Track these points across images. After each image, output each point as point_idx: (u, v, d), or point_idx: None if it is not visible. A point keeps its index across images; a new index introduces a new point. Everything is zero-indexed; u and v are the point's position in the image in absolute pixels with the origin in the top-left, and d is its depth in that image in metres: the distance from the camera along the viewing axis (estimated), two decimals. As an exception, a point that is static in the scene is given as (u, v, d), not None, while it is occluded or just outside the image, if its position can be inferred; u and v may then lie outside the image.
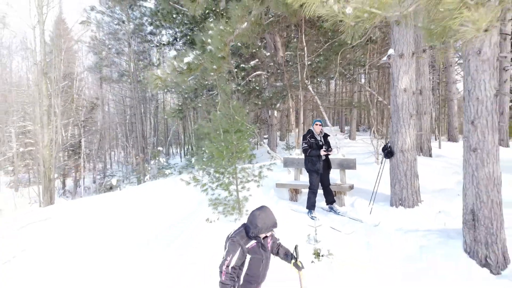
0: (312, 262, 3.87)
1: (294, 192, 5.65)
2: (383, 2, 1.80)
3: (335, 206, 5.09)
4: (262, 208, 2.30)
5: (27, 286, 4.29)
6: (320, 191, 5.01)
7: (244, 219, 4.67)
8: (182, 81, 5.11)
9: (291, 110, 10.37)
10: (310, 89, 8.86)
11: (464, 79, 3.49)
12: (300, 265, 2.41)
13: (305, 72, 8.48)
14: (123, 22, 13.79)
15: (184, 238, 4.60)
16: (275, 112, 12.96)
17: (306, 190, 5.14)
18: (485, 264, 3.41)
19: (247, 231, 2.23)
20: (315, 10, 1.95)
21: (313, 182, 4.81)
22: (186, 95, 9.84)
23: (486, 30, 1.69)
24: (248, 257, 2.19)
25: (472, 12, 1.51)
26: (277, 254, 2.52)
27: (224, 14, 7.31)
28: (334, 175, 5.48)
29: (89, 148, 13.90)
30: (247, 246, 2.19)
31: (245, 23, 5.00)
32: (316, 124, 4.87)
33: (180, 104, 10.74)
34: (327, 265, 3.87)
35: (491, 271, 3.38)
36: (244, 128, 4.89)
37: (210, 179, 5.03)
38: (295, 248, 2.47)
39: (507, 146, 10.28)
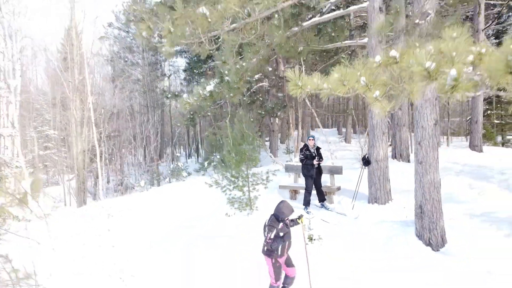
0: (307, 244, 5.24)
1: (294, 192, 7.06)
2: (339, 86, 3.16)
3: (326, 203, 6.50)
4: (283, 201, 3.73)
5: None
6: (314, 192, 6.41)
7: (255, 214, 6.11)
8: (206, 106, 6.49)
9: (290, 119, 11.73)
10: (307, 101, 10.22)
11: (414, 112, 4.87)
12: (301, 217, 3.81)
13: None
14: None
15: (211, 226, 5.98)
16: (277, 119, 14.36)
17: (303, 191, 6.53)
18: (428, 244, 4.81)
19: (277, 217, 3.61)
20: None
21: (308, 185, 6.21)
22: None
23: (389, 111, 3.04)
24: (281, 233, 3.58)
25: (379, 103, 2.85)
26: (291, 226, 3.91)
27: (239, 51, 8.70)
28: (326, 178, 6.88)
29: (107, 152, 15.31)
30: (279, 227, 3.57)
31: (255, 59, 6.38)
32: (310, 140, 6.27)
33: (191, 113, 12.07)
34: (317, 247, 5.25)
35: (432, 249, 4.77)
36: (255, 142, 6.28)
37: (227, 182, 6.41)
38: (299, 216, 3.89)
39: (481, 151, 11.65)
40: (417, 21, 3.99)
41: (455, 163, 9.18)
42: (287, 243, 3.70)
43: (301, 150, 6.27)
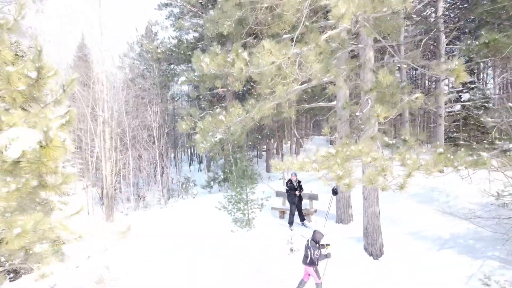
0: (289, 254, 7.46)
1: (282, 213, 9.27)
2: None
3: (305, 222, 8.71)
4: (317, 231, 5.78)
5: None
6: (296, 213, 8.62)
7: (252, 230, 8.31)
8: (216, 149, 8.66)
9: (282, 141, 13.92)
10: (295, 132, 12.43)
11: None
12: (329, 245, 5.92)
13: (292, 122, 12.09)
14: (151, 65, 17.30)
15: (222, 240, 8.15)
16: (272, 140, 16.58)
17: (288, 212, 8.72)
18: (371, 254, 7.03)
19: (316, 241, 5.70)
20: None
21: (292, 209, 8.42)
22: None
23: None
24: (319, 252, 5.69)
25: (325, 179, 5.08)
26: None
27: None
28: (306, 202, 9.09)
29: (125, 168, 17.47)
30: (319, 248, 5.69)
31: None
32: (293, 176, 8.48)
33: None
34: (297, 256, 7.45)
35: (373, 258, 6.99)
36: (253, 176, 8.48)
37: (232, 207, 8.60)
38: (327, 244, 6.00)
39: (442, 172, 13.88)
40: (357, 113, 6.18)
41: (414, 184, 11.39)
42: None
43: (286, 183, 8.49)
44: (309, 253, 5.75)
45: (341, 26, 4.17)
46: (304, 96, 11.28)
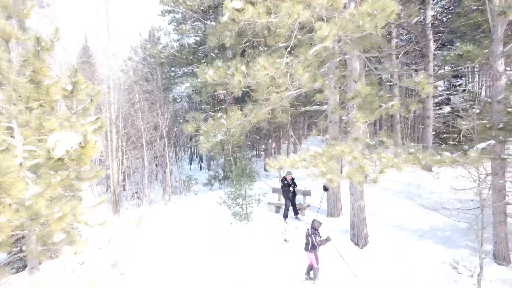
0: (283, 244, 8.22)
1: (277, 208, 10.04)
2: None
3: (299, 216, 9.47)
4: (316, 220, 6.54)
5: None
6: (291, 208, 9.38)
7: (250, 223, 9.08)
8: (217, 149, 9.42)
9: (281, 142, 14.69)
10: (291, 133, 13.19)
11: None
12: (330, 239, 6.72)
13: (288, 124, 12.85)
14: (154, 68, 18.04)
15: (221, 232, 8.91)
16: (270, 140, 17.34)
17: (283, 207, 9.48)
18: (357, 244, 7.80)
19: (315, 229, 6.47)
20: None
21: (286, 204, 9.19)
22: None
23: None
24: (320, 238, 6.45)
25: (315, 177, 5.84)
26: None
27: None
28: (300, 198, 9.85)
29: (131, 170, 18.22)
30: (320, 235, 6.46)
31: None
32: (288, 175, 9.24)
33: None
34: (290, 246, 8.22)
35: (359, 247, 7.76)
36: (251, 174, 9.24)
37: (231, 201, 9.36)
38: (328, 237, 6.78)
39: (430, 170, 14.67)
40: (343, 117, 6.95)
41: (401, 182, 12.17)
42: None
43: (281, 181, 9.26)
44: (310, 240, 6.47)
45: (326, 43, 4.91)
46: (300, 99, 12.03)
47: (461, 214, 8.16)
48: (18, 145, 4.12)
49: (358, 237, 7.82)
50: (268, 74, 5.33)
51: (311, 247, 6.48)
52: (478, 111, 5.83)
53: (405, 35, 16.01)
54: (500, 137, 5.62)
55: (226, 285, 6.43)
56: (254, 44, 8.81)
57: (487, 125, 5.84)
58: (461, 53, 7.21)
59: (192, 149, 29.80)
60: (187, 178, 15.89)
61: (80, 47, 29.05)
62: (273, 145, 21.98)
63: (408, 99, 5.93)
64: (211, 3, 14.12)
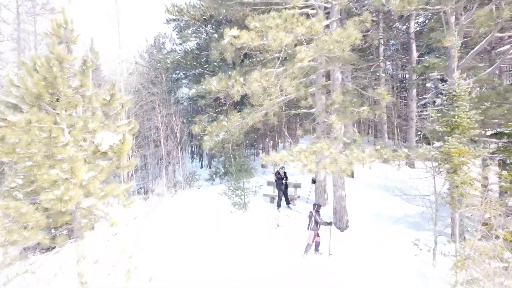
0: (275, 228, 9.54)
1: (272, 199, 11.36)
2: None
3: (290, 205, 10.79)
4: (316, 203, 7.86)
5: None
6: (283, 198, 10.70)
7: (248, 212, 10.42)
8: (218, 147, 10.73)
9: (278, 141, 15.99)
10: (285, 132, 14.51)
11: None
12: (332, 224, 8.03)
13: (283, 124, 14.17)
14: (159, 72, 19.35)
15: (222, 219, 10.23)
16: (267, 139, 18.66)
17: (277, 198, 10.80)
18: (338, 228, 9.11)
19: (317, 211, 7.78)
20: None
21: (279, 195, 10.51)
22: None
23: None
24: (320, 218, 7.77)
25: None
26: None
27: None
28: (291, 189, 11.16)
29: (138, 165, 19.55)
30: (319, 213, 7.78)
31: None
32: (280, 170, 10.55)
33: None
34: (282, 230, 9.54)
35: (340, 231, 9.08)
36: (249, 170, 10.56)
37: (231, 193, 10.67)
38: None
39: (414, 167, 15.98)
40: (325, 119, 8.26)
41: (384, 178, 13.49)
42: None
43: (275, 174, 10.57)
44: (313, 220, 7.74)
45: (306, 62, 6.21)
46: (293, 102, 13.30)
47: (421, 201, 9.49)
48: (62, 142, 5.44)
49: (340, 222, 9.14)
50: (260, 85, 6.64)
51: (313, 226, 7.75)
52: (435, 116, 7.11)
53: (392, 45, 17.31)
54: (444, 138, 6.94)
55: (228, 258, 7.75)
56: (251, 55, 10.10)
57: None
58: (427, 64, 8.54)
59: (192, 148, 31.18)
60: (190, 174, 17.21)
61: (86, 49, 30.38)
62: (271, 144, 23.31)
63: (374, 105, 7.10)
64: (212, 13, 15.40)
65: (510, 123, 5.57)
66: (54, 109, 5.32)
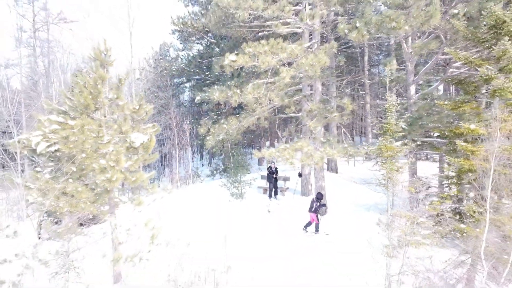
0: (267, 214, 11.35)
1: (264, 190, 13.19)
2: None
3: (277, 196, 12.62)
4: (318, 193, 9.70)
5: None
6: (274, 189, 12.53)
7: (244, 201, 12.30)
8: (219, 146, 12.55)
9: (275, 141, 17.83)
10: (279, 133, 16.34)
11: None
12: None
13: (276, 124, 16.00)
14: (165, 79, 21.16)
15: (222, 206, 12.04)
16: (263, 139, 20.48)
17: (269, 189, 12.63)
18: (319, 212, 10.93)
19: (319, 198, 9.60)
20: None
21: (270, 187, 12.33)
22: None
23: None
24: (319, 204, 9.61)
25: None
26: None
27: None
28: (281, 182, 13.00)
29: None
30: (319, 201, 9.62)
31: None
32: (272, 165, 12.36)
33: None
34: (272, 215, 11.35)
35: (321, 215, 10.89)
36: (246, 166, 12.40)
37: (230, 185, 12.49)
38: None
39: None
40: (306, 123, 10.08)
41: (363, 174, 15.33)
42: None
43: (267, 170, 12.41)
44: (314, 205, 9.53)
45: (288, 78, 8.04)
46: (284, 108, 15.13)
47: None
48: (105, 140, 7.25)
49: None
50: (253, 96, 8.48)
51: (314, 209, 9.54)
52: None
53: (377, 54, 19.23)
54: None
55: (228, 234, 9.57)
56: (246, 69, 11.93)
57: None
58: (392, 78, 10.38)
59: (192, 148, 33.06)
60: (192, 171, 19.03)
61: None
62: (267, 143, 25.18)
63: (342, 112, 8.76)
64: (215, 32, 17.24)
65: (439, 127, 7.34)
66: (97, 116, 7.13)
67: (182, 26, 18.03)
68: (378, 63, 19.86)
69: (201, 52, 20.90)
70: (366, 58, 18.59)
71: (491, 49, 6.17)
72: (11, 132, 22.83)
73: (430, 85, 9.82)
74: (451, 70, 8.23)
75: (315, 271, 7.38)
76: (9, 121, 14.87)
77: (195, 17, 18.23)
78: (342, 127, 19.88)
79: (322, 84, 12.85)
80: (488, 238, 6.09)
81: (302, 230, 9.83)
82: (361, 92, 18.85)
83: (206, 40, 20.32)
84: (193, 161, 30.50)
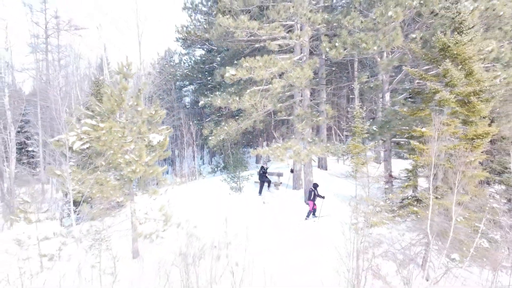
0: (262, 204, 12.90)
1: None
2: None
3: (272, 189, 14.17)
4: (315, 183, 11.26)
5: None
6: (265, 186, 14.08)
7: (242, 194, 13.87)
8: (219, 145, 14.10)
9: (273, 141, 19.38)
10: (275, 134, 17.90)
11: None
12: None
13: (272, 125, 17.56)
14: (170, 83, 22.70)
15: (223, 198, 13.59)
16: (260, 139, 22.03)
17: (265, 184, 14.16)
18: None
19: (315, 188, 11.16)
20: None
21: (261, 184, 13.89)
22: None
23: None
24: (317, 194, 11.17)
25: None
26: None
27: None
28: (275, 177, 14.57)
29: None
30: (316, 190, 11.17)
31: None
32: (264, 164, 13.90)
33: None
34: (267, 206, 12.90)
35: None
36: (244, 164, 13.96)
37: (230, 180, 14.04)
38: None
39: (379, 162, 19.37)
40: (296, 125, 11.64)
41: (346, 170, 16.88)
42: None
43: (260, 169, 13.98)
44: (311, 194, 11.04)
45: (279, 88, 9.58)
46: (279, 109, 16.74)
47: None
48: (128, 139, 8.81)
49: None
50: (250, 103, 10.03)
51: (313, 198, 11.06)
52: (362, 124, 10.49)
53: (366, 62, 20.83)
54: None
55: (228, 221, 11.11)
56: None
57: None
58: (372, 86, 11.96)
59: (194, 148, 34.63)
60: (194, 168, 20.58)
61: (99, 57, 33.68)
62: (265, 143, 26.77)
63: (327, 116, 10.33)
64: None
65: (404, 129, 8.90)
66: (121, 119, 8.68)
67: (186, 34, 19.57)
68: (368, 67, 21.44)
69: (203, 58, 22.46)
70: (355, 65, 20.14)
71: (440, 67, 7.74)
72: (26, 131, 24.33)
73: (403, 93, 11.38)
74: (417, 81, 9.79)
75: (298, 240, 8.96)
76: (22, 121, 16.40)
77: (198, 23, 19.80)
78: (335, 128, 21.46)
79: (313, 90, 14.43)
80: (437, 220, 7.69)
81: (304, 220, 11.37)
82: (351, 96, 20.42)
83: (207, 45, 21.88)
84: (194, 160, 32.05)
